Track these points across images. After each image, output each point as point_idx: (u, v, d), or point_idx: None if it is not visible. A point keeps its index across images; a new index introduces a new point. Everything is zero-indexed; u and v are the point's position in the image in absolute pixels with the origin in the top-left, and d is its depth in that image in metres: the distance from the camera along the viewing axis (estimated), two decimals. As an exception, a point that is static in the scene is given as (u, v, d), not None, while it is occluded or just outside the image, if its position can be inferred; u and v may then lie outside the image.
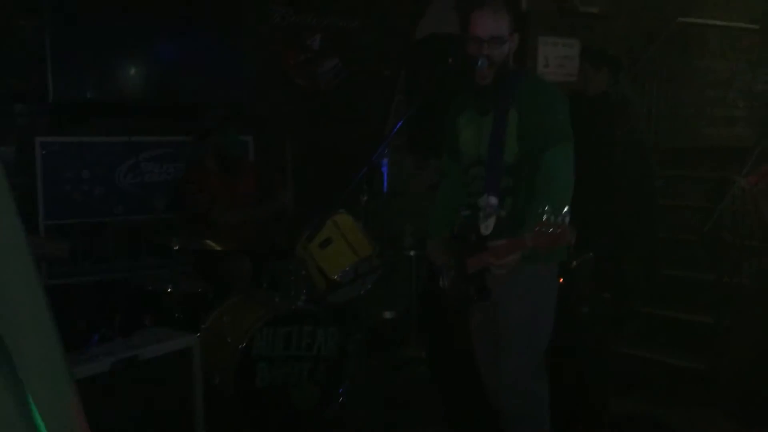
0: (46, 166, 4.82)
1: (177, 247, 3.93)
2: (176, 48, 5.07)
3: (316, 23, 5.75)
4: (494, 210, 2.68)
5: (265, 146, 5.56)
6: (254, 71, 5.42)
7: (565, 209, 2.34)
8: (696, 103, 6.68)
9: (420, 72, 5.40)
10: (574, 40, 5.89)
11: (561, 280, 3.68)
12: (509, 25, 2.72)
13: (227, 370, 3.53)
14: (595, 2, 6.01)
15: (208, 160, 4.53)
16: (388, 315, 4.65)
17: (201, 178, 4.45)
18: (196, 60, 5.14)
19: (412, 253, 4.93)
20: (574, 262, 3.72)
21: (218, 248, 4.01)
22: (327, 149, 5.71)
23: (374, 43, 5.96)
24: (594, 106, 4.57)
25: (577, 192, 2.64)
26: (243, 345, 3.55)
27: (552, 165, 2.61)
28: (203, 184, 4.40)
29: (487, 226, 2.70)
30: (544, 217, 2.32)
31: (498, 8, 2.73)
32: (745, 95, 7.03)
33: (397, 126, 3.37)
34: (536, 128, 2.66)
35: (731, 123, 6.94)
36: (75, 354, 2.96)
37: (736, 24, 6.73)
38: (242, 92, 5.33)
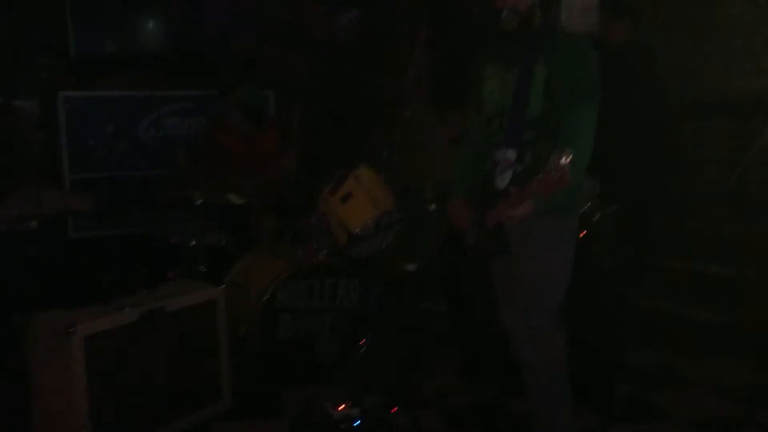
0: (70, 120, 4.85)
1: (200, 201, 3.96)
2: (195, 2, 5.04)
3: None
4: (510, 164, 2.66)
5: (285, 101, 5.54)
6: (272, 25, 5.37)
7: (571, 153, 2.30)
8: (723, 53, 6.52)
9: (440, 23, 5.32)
10: (598, -12, 5.76)
11: (583, 233, 3.68)
12: None
13: (251, 322, 3.59)
14: (621, -51, 5.87)
15: (232, 117, 4.51)
16: (410, 268, 4.67)
17: (221, 137, 4.43)
18: (214, 13, 5.11)
19: (432, 206, 4.93)
20: (597, 215, 3.70)
21: (241, 201, 4.03)
22: (347, 103, 5.69)
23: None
24: (616, 57, 4.48)
25: (602, 144, 2.61)
26: (266, 297, 3.60)
27: (575, 123, 2.58)
28: (222, 145, 4.38)
29: (503, 180, 2.68)
30: (548, 162, 2.30)
31: None
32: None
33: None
34: (564, 85, 2.60)
35: (760, 74, 6.79)
36: (102, 306, 3.03)
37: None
38: (261, 45, 5.31)
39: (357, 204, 3.78)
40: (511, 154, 2.67)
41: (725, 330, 4.26)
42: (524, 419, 3.07)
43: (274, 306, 3.63)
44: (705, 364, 4.06)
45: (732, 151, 5.02)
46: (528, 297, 2.78)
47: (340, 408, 3.33)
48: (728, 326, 4.25)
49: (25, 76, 4.73)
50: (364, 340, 3.94)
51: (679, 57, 6.01)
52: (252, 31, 5.26)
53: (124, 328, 2.97)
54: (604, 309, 3.77)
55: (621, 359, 3.77)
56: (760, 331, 4.06)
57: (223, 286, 3.60)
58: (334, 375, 3.84)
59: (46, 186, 4.02)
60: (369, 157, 3.94)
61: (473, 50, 3.07)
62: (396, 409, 3.37)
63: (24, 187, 3.79)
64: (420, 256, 5.10)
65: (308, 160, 4.75)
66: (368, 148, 3.84)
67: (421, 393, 3.66)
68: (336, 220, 3.83)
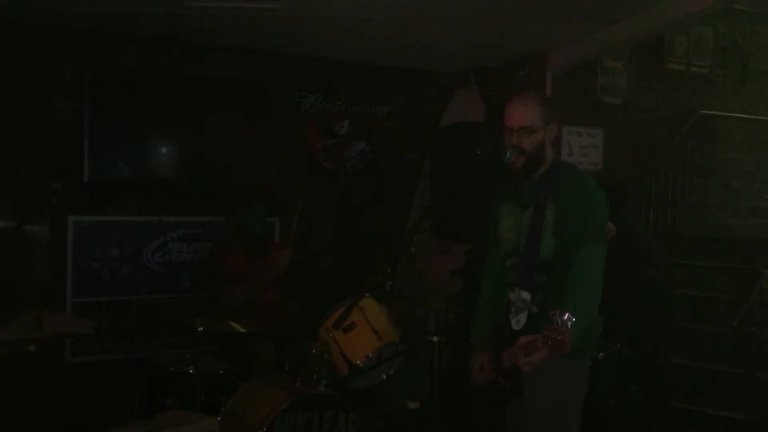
0: (77, 244, 4.91)
1: (201, 328, 3.93)
2: (207, 131, 5.23)
3: (345, 109, 5.91)
4: (525, 305, 2.67)
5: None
6: (282, 154, 5.55)
7: (585, 312, 2.34)
8: (721, 194, 6.69)
9: (444, 159, 5.49)
10: (597, 129, 5.99)
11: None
12: (541, 114, 2.78)
13: (246, 455, 3.48)
14: (618, 93, 6.14)
15: (234, 238, 4.58)
16: (411, 405, 4.56)
17: (225, 256, 4.48)
18: (224, 142, 5.28)
19: (435, 338, 4.89)
20: (601, 354, 3.67)
21: (242, 330, 4.01)
22: (352, 232, 5.77)
23: (401, 129, 6.10)
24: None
25: (605, 283, 2.63)
26: (263, 430, 3.50)
27: (585, 264, 2.60)
28: (226, 263, 4.43)
29: (518, 321, 2.69)
30: (553, 322, 2.32)
31: (528, 99, 2.80)
32: (770, 186, 7.04)
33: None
34: (572, 224, 2.66)
35: (757, 214, 6.92)
36: (96, 434, 2.95)
37: (759, 117, 6.80)
38: (270, 175, 5.45)
39: (360, 335, 3.75)
40: (525, 295, 2.69)
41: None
42: None
43: (270, 439, 3.52)
44: None
45: (735, 291, 5.04)
46: None
47: None
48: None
49: (39, 200, 4.83)
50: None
51: (678, 196, 6.16)
52: (262, 160, 5.41)
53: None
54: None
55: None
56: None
57: (219, 417, 3.52)
58: None
59: (47, 309, 3.99)
60: (373, 287, 3.94)
61: (476, 185, 3.16)
62: None
63: (26, 309, 3.77)
64: (422, 389, 5.01)
65: (311, 287, 4.76)
66: (372, 279, 3.84)
67: None
68: (337, 351, 3.79)
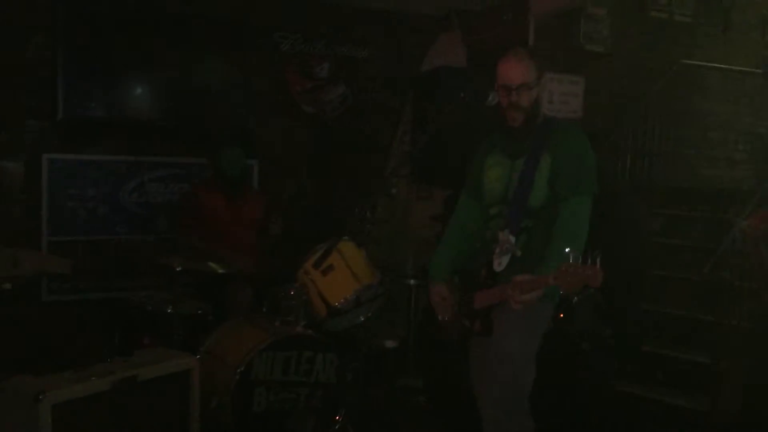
0: (52, 182, 4.85)
1: (179, 269, 3.93)
2: (184, 70, 5.12)
3: (325, 51, 5.82)
4: (511, 248, 2.74)
5: (270, 171, 5.60)
6: (261, 96, 5.48)
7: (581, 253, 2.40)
8: (697, 144, 6.74)
9: (425, 103, 5.46)
10: (578, 77, 5.97)
11: (561, 315, 3.70)
12: (536, 71, 2.83)
13: (225, 394, 3.52)
14: (600, 41, 6.11)
15: (211, 180, 4.56)
16: (389, 344, 4.64)
17: (199, 195, 4.46)
18: (203, 82, 5.19)
19: (412, 281, 4.94)
20: (575, 298, 3.73)
21: (220, 271, 4.02)
22: (331, 176, 5.75)
23: (381, 73, 6.03)
24: None
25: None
26: (242, 369, 3.54)
27: (574, 214, 2.72)
28: (201, 201, 4.41)
29: (500, 263, 2.75)
30: (570, 257, 2.37)
31: (522, 56, 2.85)
32: (746, 138, 7.11)
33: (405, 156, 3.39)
34: (566, 176, 2.76)
35: (732, 165, 7.00)
36: (74, 372, 2.96)
37: (739, 68, 6.82)
38: (248, 116, 5.38)
39: (338, 277, 3.78)
40: (512, 238, 2.75)
41: (700, 417, 4.25)
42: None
43: (249, 378, 3.57)
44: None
45: (708, 239, 5.12)
46: (501, 377, 2.80)
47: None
48: (704, 414, 4.25)
49: (12, 137, 4.74)
50: (340, 415, 3.87)
51: (655, 145, 6.19)
52: (241, 101, 5.34)
53: (95, 396, 2.89)
54: (583, 392, 3.76)
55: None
56: (735, 420, 4.05)
57: (198, 356, 3.55)
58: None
59: (23, 246, 3.96)
60: (351, 230, 3.96)
61: (460, 133, 3.17)
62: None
63: (1, 247, 3.74)
64: (399, 331, 5.09)
65: (290, 230, 4.76)
66: (351, 222, 3.86)
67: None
68: (316, 293, 3.82)
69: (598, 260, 2.37)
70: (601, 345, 4.12)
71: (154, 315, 3.89)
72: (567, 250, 2.42)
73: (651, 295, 5.12)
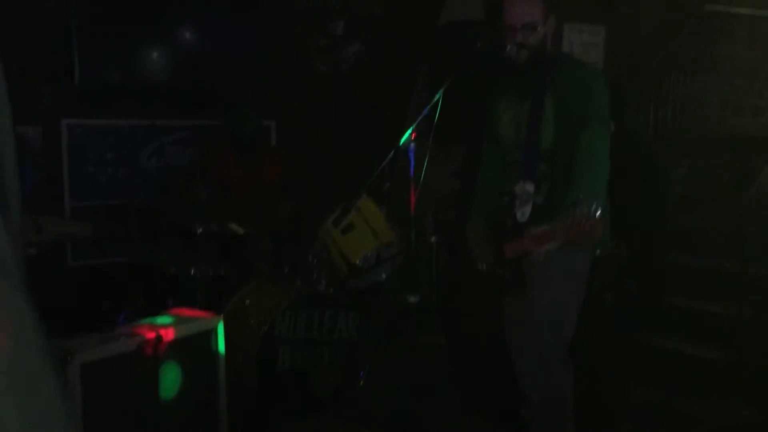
0: (72, 148, 4.87)
1: (200, 230, 3.95)
2: (199, 32, 5.09)
3: (340, 8, 5.73)
4: (530, 197, 2.68)
5: (288, 131, 5.58)
6: (276, 56, 5.42)
7: (598, 200, 2.33)
8: (722, 92, 6.60)
9: (443, 58, 5.37)
10: (599, 27, 5.84)
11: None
12: (543, 10, 2.72)
13: (249, 353, 3.56)
14: (622, -12, 5.96)
15: (225, 142, 4.53)
16: (411, 299, 4.64)
17: (214, 160, 4.45)
18: (218, 44, 5.15)
19: (433, 239, 4.93)
20: (598, 251, 3.70)
21: (241, 232, 4.02)
22: (349, 135, 5.72)
23: (397, 29, 5.94)
24: None
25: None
26: (265, 328, 3.58)
27: (588, 149, 2.61)
28: (217, 170, 4.40)
29: (523, 213, 2.71)
30: (576, 210, 2.32)
31: None
32: (772, 85, 6.93)
33: (423, 113, 3.33)
34: (572, 111, 2.65)
35: (758, 112, 6.85)
36: (101, 334, 3.00)
37: (765, 13, 6.62)
38: (265, 77, 5.34)
39: (358, 235, 3.77)
40: (529, 187, 2.69)
41: (726, 368, 4.23)
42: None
43: (272, 336, 3.60)
44: (706, 403, 4.02)
45: (732, 189, 5.04)
46: (539, 331, 2.78)
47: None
48: (729, 364, 4.23)
49: (30, 103, 4.74)
50: (363, 372, 3.90)
51: (680, 93, 6.06)
52: (256, 62, 5.30)
53: (123, 356, 2.94)
54: (606, 345, 3.74)
55: (622, 397, 3.74)
56: (759, 370, 4.03)
57: (222, 315, 3.58)
58: (333, 408, 3.79)
59: (45, 213, 3.99)
60: (370, 188, 3.94)
61: (477, 84, 3.10)
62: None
63: (24, 214, 3.77)
64: (420, 288, 5.09)
65: (310, 190, 4.76)
66: (370, 180, 3.83)
67: (420, 427, 3.61)
68: (337, 251, 3.82)
69: (597, 213, 2.30)
70: (625, 297, 4.09)
71: (177, 277, 3.92)
72: (576, 199, 2.35)
73: (676, 246, 5.07)
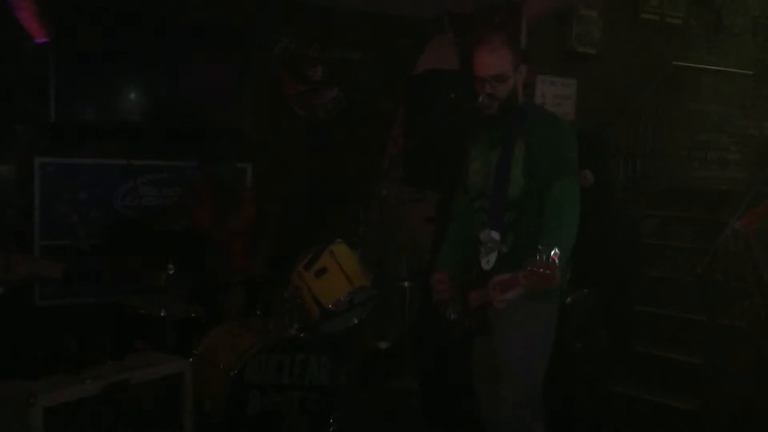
0: (44, 186, 4.83)
1: (172, 272, 3.92)
2: (177, 73, 5.12)
3: (318, 54, 5.82)
4: (495, 245, 2.69)
5: (263, 174, 5.60)
6: (254, 99, 5.47)
7: (560, 248, 2.35)
8: (690, 146, 6.77)
9: (418, 106, 5.46)
10: (571, 79, 5.98)
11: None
12: (512, 60, 2.75)
13: (219, 397, 3.51)
14: (592, 43, 6.12)
15: (204, 190, 4.53)
16: (382, 345, 4.62)
17: (191, 205, 4.44)
18: (196, 86, 5.18)
19: (406, 284, 4.94)
20: (569, 298, 3.73)
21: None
22: (325, 179, 5.75)
23: (374, 76, 6.04)
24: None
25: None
26: (235, 372, 3.54)
27: (558, 200, 2.61)
28: (191, 212, 4.39)
29: (488, 261, 2.71)
30: (536, 257, 2.33)
31: (498, 46, 2.76)
32: (738, 139, 7.14)
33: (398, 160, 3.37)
34: (543, 162, 2.66)
35: (725, 166, 7.03)
36: (66, 376, 2.95)
37: (730, 69, 6.85)
38: (241, 119, 5.38)
39: (331, 279, 3.77)
40: (495, 235, 2.70)
41: (693, 417, 4.26)
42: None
43: (242, 381, 3.56)
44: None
45: (699, 240, 5.14)
46: (508, 380, 2.77)
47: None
48: (697, 414, 4.25)
49: (4, 141, 4.72)
50: (334, 418, 3.86)
51: (648, 146, 6.21)
52: (233, 104, 5.34)
53: (87, 400, 2.89)
54: (575, 393, 3.76)
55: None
56: (729, 421, 4.06)
57: (191, 359, 3.54)
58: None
59: (14, 251, 3.95)
60: (344, 233, 3.96)
61: (450, 133, 3.15)
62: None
63: (-7, 251, 3.72)
64: (393, 333, 5.08)
65: (283, 233, 4.76)
66: (344, 224, 3.85)
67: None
68: (309, 295, 3.81)
69: (556, 259, 2.32)
70: (595, 345, 4.13)
71: (147, 318, 3.88)
72: (539, 247, 2.36)
73: (644, 297, 5.14)
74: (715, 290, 4.39)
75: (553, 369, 2.90)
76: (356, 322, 3.94)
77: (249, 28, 5.40)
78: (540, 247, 2.36)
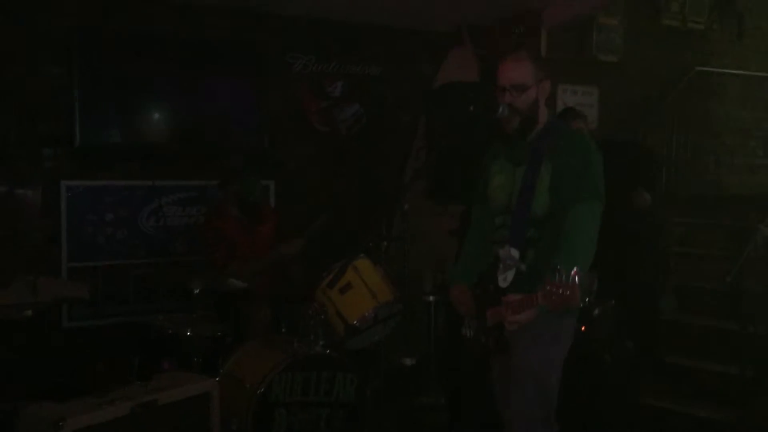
0: (71, 208, 4.89)
1: (198, 290, 3.94)
2: (200, 94, 5.17)
3: (338, 71, 5.85)
4: (514, 263, 2.67)
5: (286, 191, 5.62)
6: (275, 116, 5.51)
7: (578, 268, 2.32)
8: (716, 151, 6.68)
9: (439, 119, 5.46)
10: (592, 87, 5.94)
11: (583, 328, 3.65)
12: (534, 73, 2.75)
13: (245, 416, 3.51)
14: (614, 51, 6.08)
15: (230, 207, 4.56)
16: (407, 362, 4.59)
17: (221, 225, 4.47)
18: (219, 106, 5.23)
19: (431, 298, 4.92)
20: (596, 310, 3.69)
21: (242, 285, 4.01)
22: (346, 194, 5.75)
23: (394, 90, 6.05)
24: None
25: (600, 241, 2.62)
26: (261, 390, 3.53)
27: (577, 222, 2.60)
28: (224, 232, 4.42)
29: (505, 279, 2.69)
30: (556, 277, 2.31)
31: (519, 57, 2.77)
32: (766, 143, 7.03)
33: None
34: (568, 183, 2.65)
35: (753, 171, 6.92)
36: (95, 398, 2.97)
37: (755, 73, 6.75)
38: (264, 137, 5.41)
39: (356, 295, 3.77)
40: (514, 253, 2.68)
41: (727, 429, 4.17)
42: None
43: (268, 399, 3.56)
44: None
45: (729, 247, 5.05)
46: (525, 393, 2.75)
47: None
48: (732, 426, 4.16)
49: (30, 165, 4.80)
50: (361, 435, 3.84)
51: (674, 153, 6.14)
52: (255, 123, 5.37)
53: (116, 422, 2.90)
54: (605, 405, 3.70)
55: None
56: (761, 431, 3.97)
57: (218, 378, 3.54)
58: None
59: (42, 274, 4.00)
60: (368, 248, 3.95)
61: (471, 146, 3.14)
62: None
63: (22, 274, 3.77)
64: (418, 348, 5.05)
65: (307, 250, 4.76)
66: (367, 240, 3.84)
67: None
68: (334, 311, 3.80)
69: (576, 279, 2.29)
70: (623, 357, 4.06)
71: (173, 338, 3.89)
72: (557, 267, 2.34)
73: (672, 306, 5.06)
74: (747, 298, 4.31)
75: (582, 381, 2.86)
76: (381, 337, 3.92)
77: (268, 46, 5.45)
78: (559, 267, 2.33)
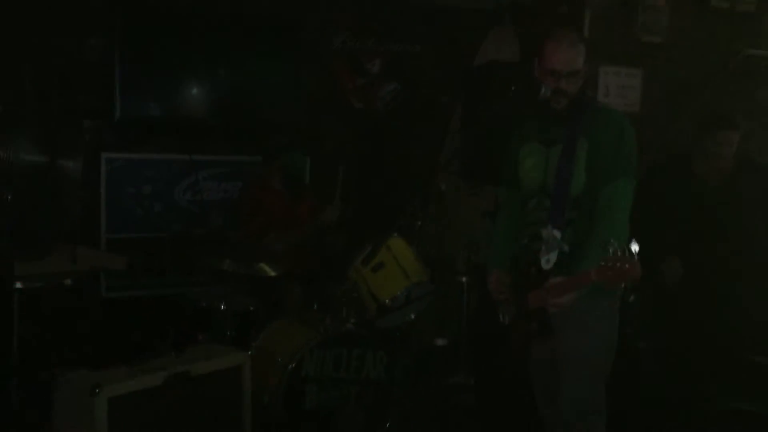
0: (110, 181, 4.96)
1: (230, 270, 3.96)
2: (239, 70, 5.18)
3: (376, 48, 5.80)
4: (556, 243, 2.64)
5: (322, 168, 5.62)
6: (313, 93, 5.50)
7: (630, 243, 2.30)
8: (762, 138, 6.49)
9: (477, 98, 5.39)
10: (636, 69, 5.81)
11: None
12: (584, 57, 2.71)
13: (276, 390, 3.54)
14: (659, 32, 5.93)
15: (275, 181, 4.58)
16: (439, 342, 4.59)
17: (262, 196, 4.49)
18: (257, 82, 5.23)
19: (463, 279, 4.90)
20: (632, 297, 3.64)
21: (272, 273, 4.02)
22: (382, 173, 5.74)
23: (433, 69, 5.98)
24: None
25: (641, 225, 2.59)
26: (293, 365, 3.56)
27: (612, 199, 2.59)
28: (263, 204, 4.44)
29: (548, 260, 2.66)
30: (611, 251, 2.28)
31: (574, 41, 2.71)
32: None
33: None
34: (604, 161, 2.63)
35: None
36: (129, 367, 3.02)
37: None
38: (301, 114, 5.41)
39: (388, 274, 3.77)
40: (556, 233, 2.66)
41: None
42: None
43: (299, 375, 3.59)
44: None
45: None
46: (570, 378, 2.72)
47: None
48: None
49: (71, 137, 4.86)
50: (390, 413, 3.85)
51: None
52: (293, 99, 5.37)
53: (149, 391, 2.95)
54: (641, 394, 3.65)
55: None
56: None
57: (250, 352, 3.58)
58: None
59: (81, 244, 4.07)
60: (402, 227, 3.94)
61: (508, 126, 3.10)
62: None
63: (61, 244, 3.85)
64: (449, 329, 5.04)
65: (341, 228, 4.77)
66: (401, 219, 3.83)
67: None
68: (366, 290, 3.81)
69: (636, 254, 2.26)
70: (659, 345, 4.00)
71: (207, 311, 3.94)
72: (610, 241, 2.31)
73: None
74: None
75: (619, 369, 2.83)
76: (413, 317, 3.92)
77: (306, 21, 5.43)
78: (612, 240, 2.30)
